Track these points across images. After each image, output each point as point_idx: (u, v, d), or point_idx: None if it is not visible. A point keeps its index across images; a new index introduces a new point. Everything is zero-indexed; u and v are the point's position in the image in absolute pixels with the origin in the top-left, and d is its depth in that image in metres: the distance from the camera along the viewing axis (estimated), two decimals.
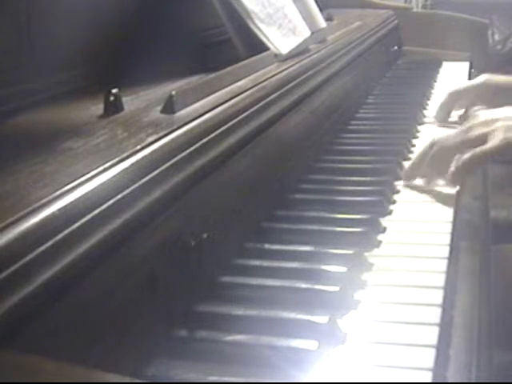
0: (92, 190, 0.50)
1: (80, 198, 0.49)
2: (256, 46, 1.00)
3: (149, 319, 0.54)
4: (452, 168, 0.89)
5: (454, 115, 1.27)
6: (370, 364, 0.54)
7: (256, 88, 0.85)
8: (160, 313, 0.56)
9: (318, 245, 0.73)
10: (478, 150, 0.88)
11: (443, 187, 0.91)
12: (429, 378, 0.52)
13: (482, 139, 0.89)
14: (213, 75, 0.83)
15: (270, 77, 0.91)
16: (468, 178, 0.94)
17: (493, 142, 0.88)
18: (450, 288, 0.66)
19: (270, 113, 0.84)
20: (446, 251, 0.73)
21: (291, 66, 0.99)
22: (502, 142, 0.87)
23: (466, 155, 0.89)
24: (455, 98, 1.26)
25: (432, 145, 0.94)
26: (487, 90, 1.23)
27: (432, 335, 0.57)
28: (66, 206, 0.47)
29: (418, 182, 0.94)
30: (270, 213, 0.82)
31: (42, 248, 0.43)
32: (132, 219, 0.52)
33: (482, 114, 0.95)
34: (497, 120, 0.90)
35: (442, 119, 1.26)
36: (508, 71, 1.27)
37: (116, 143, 0.60)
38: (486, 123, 0.91)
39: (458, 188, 0.91)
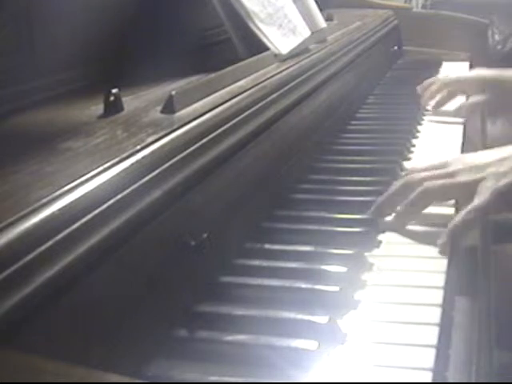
0: (92, 190, 0.50)
1: (80, 198, 0.49)
2: (256, 46, 1.00)
3: (149, 319, 0.54)
4: (443, 238, 0.74)
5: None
6: (370, 364, 0.54)
7: (256, 88, 0.85)
8: (160, 313, 0.56)
9: (318, 245, 0.73)
10: (467, 211, 0.76)
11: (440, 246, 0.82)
12: (429, 378, 0.52)
13: (470, 187, 0.78)
14: (213, 75, 0.83)
15: (270, 77, 0.91)
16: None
17: (483, 197, 0.76)
18: (449, 288, 0.66)
19: (269, 113, 0.84)
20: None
21: (291, 66, 0.99)
22: (492, 194, 0.76)
23: (456, 220, 0.76)
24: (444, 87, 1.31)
25: (406, 186, 0.81)
26: (477, 83, 1.27)
27: (432, 335, 0.57)
28: (65, 206, 0.47)
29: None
30: (270, 213, 0.82)
31: (42, 248, 0.43)
32: (132, 219, 0.52)
33: (468, 156, 0.86)
34: (487, 165, 0.80)
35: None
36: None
37: (116, 143, 0.60)
38: (474, 168, 0.80)
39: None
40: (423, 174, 0.82)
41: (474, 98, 1.28)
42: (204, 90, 0.78)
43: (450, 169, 0.82)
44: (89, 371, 0.38)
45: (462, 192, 0.79)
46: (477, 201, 0.76)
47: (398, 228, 0.79)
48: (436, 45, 2.09)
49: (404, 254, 0.74)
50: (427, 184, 0.79)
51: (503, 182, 0.76)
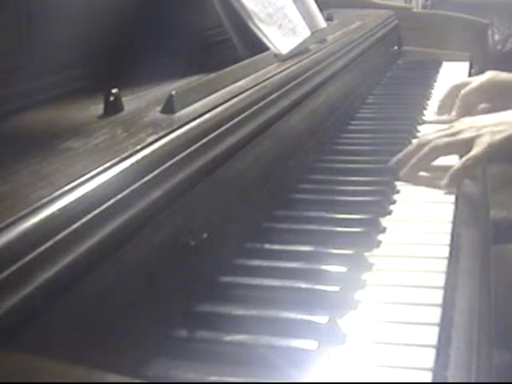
0: (92, 190, 0.50)
1: (80, 198, 0.49)
2: (256, 46, 1.00)
3: (149, 319, 0.54)
4: (445, 180, 0.91)
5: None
6: (370, 364, 0.54)
7: (256, 88, 0.85)
8: (160, 313, 0.56)
9: (318, 245, 0.73)
10: (466, 158, 0.92)
11: (443, 187, 0.91)
12: (429, 378, 0.52)
13: (470, 144, 0.93)
14: (213, 75, 0.83)
15: (270, 77, 0.91)
16: (467, 178, 0.94)
17: (479, 148, 0.92)
18: (449, 288, 0.66)
19: (269, 113, 0.84)
20: (446, 251, 0.73)
21: (291, 66, 0.99)
22: (488, 146, 0.91)
23: (456, 165, 0.92)
24: (457, 93, 1.26)
25: (420, 145, 0.97)
26: (492, 88, 1.24)
27: (432, 335, 0.57)
28: (65, 206, 0.47)
29: (419, 181, 0.94)
30: (269, 213, 0.82)
31: (42, 248, 0.43)
32: (132, 219, 0.52)
33: (469, 119, 1.00)
34: (484, 126, 0.95)
35: (443, 113, 1.27)
36: (508, 71, 1.27)
37: (116, 143, 0.60)
38: (473, 128, 0.95)
39: (457, 188, 0.91)
40: (432, 136, 0.98)
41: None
42: (204, 90, 0.77)
43: (454, 129, 0.98)
44: (89, 371, 0.38)
45: (464, 147, 0.94)
46: (474, 151, 0.92)
47: (410, 179, 0.94)
48: (436, 45, 2.09)
49: (404, 254, 0.74)
50: (435, 141, 0.96)
51: (498, 136, 0.92)
